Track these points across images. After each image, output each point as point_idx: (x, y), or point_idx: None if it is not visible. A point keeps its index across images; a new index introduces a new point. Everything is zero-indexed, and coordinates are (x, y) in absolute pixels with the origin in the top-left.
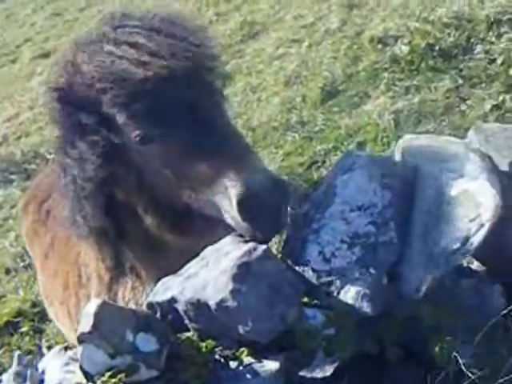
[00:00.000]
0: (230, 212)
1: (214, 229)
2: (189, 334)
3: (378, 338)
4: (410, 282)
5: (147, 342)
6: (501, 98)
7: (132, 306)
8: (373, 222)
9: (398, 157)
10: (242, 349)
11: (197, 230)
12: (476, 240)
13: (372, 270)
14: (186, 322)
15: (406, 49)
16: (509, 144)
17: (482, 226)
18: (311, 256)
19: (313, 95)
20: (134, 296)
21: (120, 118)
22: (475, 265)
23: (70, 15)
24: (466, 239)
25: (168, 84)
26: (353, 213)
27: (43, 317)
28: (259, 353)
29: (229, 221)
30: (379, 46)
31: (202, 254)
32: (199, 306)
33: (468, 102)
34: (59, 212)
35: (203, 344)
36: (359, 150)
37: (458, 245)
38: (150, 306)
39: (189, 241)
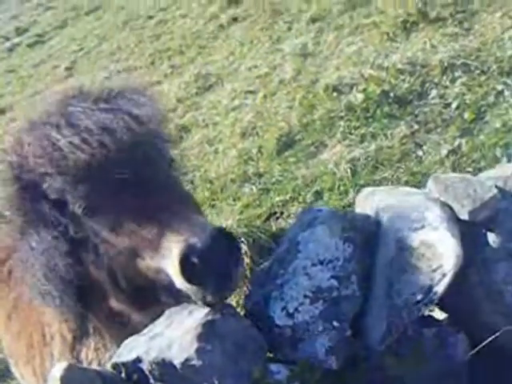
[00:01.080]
0: (175, 276)
1: (177, 299)
2: None
3: None
4: (374, 333)
5: None
6: (456, 142)
7: (95, 365)
8: (335, 276)
9: (358, 210)
10: None
11: (157, 302)
12: (439, 290)
13: (335, 324)
14: (152, 381)
15: (360, 96)
16: (468, 193)
17: (444, 275)
18: (275, 312)
19: (269, 146)
20: (97, 356)
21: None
22: (437, 312)
23: (24, 71)
24: (429, 289)
25: (107, 165)
26: (315, 267)
27: (5, 374)
28: None
29: (179, 286)
30: (334, 94)
31: (165, 314)
32: (164, 365)
33: (424, 147)
34: (21, 275)
35: None
36: (316, 199)
37: (420, 296)
38: (115, 366)
39: (151, 314)
